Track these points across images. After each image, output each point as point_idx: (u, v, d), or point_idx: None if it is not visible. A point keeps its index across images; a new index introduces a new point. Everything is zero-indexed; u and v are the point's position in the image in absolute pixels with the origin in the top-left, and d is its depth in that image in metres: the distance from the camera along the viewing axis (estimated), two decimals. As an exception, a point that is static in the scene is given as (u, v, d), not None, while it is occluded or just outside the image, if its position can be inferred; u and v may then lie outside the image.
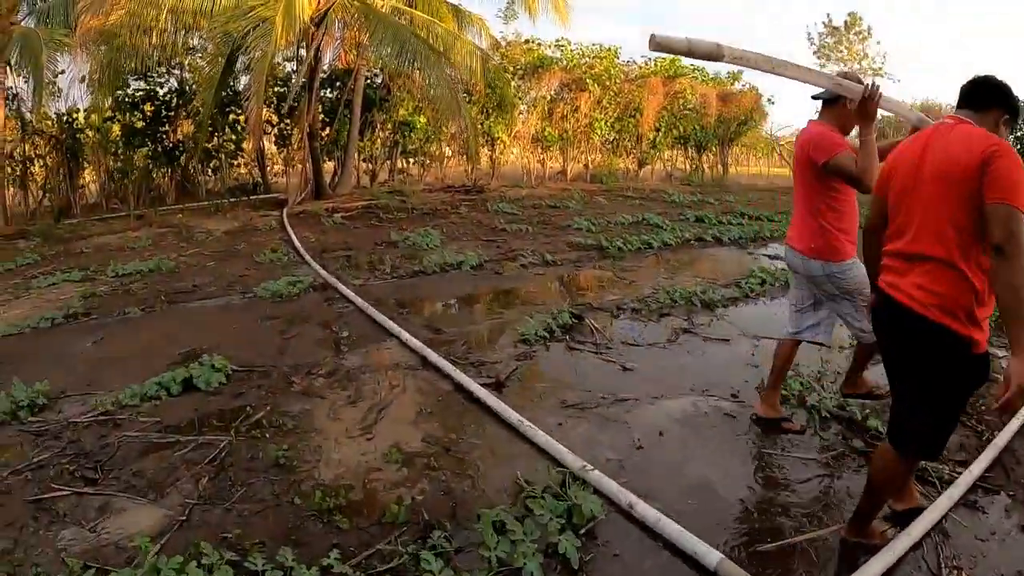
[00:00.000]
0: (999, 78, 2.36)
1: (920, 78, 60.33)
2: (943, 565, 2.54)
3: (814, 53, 30.32)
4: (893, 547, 2.53)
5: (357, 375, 4.15)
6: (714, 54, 2.45)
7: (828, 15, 31.47)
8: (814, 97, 3.10)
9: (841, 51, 29.40)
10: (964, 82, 2.37)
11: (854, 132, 3.17)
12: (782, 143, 25.60)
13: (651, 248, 8.90)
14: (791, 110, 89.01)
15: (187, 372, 3.90)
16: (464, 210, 11.39)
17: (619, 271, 7.44)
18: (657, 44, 2.33)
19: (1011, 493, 3.15)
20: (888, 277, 2.44)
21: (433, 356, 4.31)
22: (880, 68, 28.88)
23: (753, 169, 26.91)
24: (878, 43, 29.28)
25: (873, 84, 2.73)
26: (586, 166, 17.50)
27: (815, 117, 3.26)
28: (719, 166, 21.70)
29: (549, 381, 4.12)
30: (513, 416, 3.39)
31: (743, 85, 20.49)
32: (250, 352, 4.51)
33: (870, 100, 2.69)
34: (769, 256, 9.15)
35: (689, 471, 3.11)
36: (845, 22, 29.46)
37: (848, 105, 2.90)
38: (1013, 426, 3.69)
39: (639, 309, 5.77)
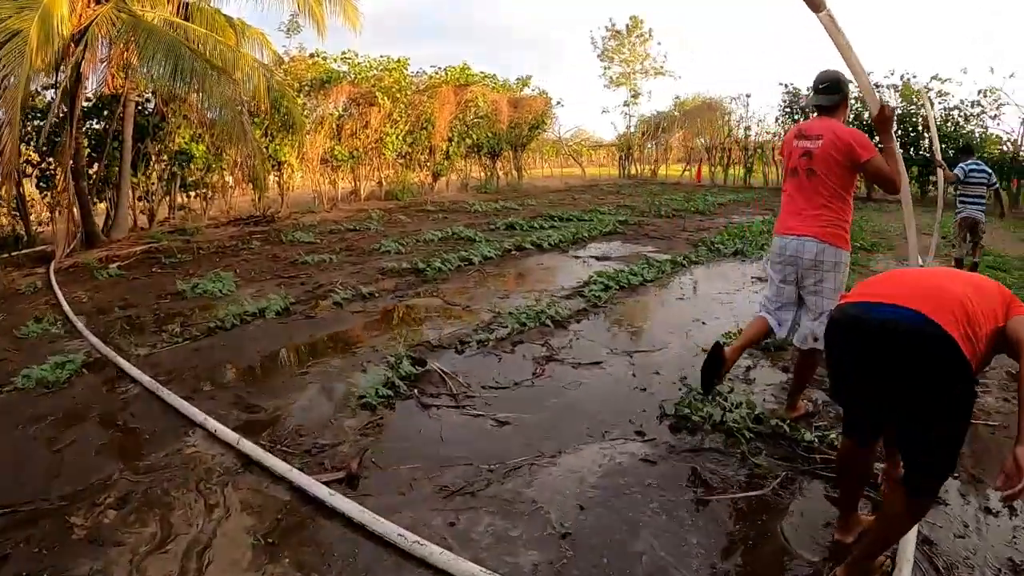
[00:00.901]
0: None
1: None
2: (947, 578, 2.34)
3: (598, 56, 32.46)
4: (902, 578, 2.28)
5: (160, 497, 2.95)
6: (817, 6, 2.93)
7: (611, 19, 34.06)
8: (817, 105, 3.50)
9: (624, 52, 31.80)
10: None
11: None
12: (571, 144, 27.05)
13: (472, 264, 8.38)
14: (577, 112, 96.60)
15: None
16: (257, 244, 10.02)
17: (447, 296, 6.78)
18: None
19: (955, 475, 3.10)
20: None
21: (256, 451, 3.24)
22: (662, 67, 31.77)
23: (545, 171, 28.05)
24: (659, 44, 32.22)
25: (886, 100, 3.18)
26: (379, 183, 16.85)
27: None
28: (513, 171, 22.17)
29: (414, 458, 3.28)
30: (390, 529, 2.50)
31: (533, 90, 21.20)
32: (9, 480, 3.12)
33: (886, 108, 3.22)
34: (596, 258, 9.12)
35: (639, 550, 2.50)
36: (627, 26, 31.98)
37: (845, 107, 3.56)
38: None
39: (486, 340, 5.13)
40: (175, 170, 12.38)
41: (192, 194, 13.23)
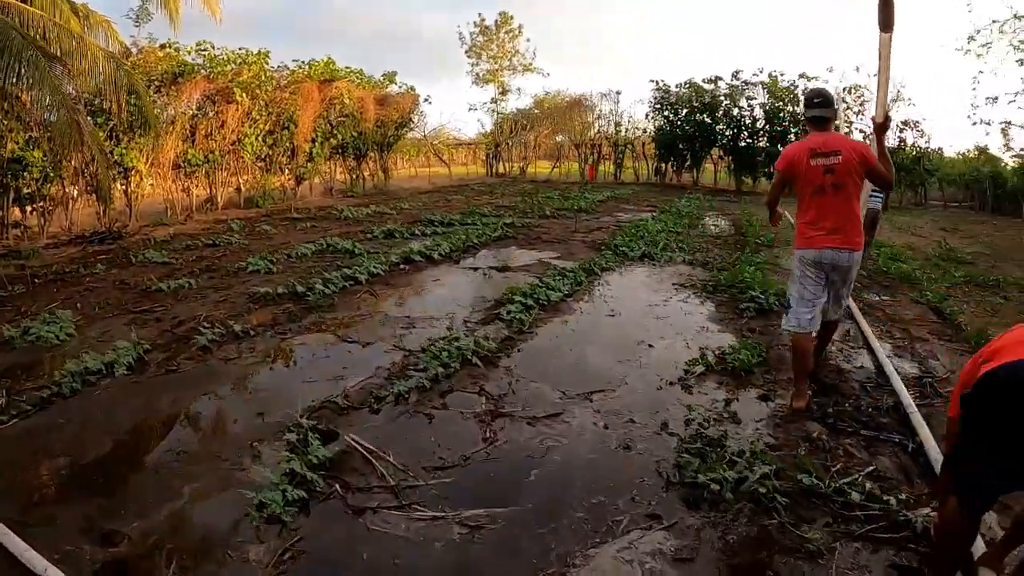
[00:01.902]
0: None
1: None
2: None
3: (466, 52, 31.54)
4: None
5: None
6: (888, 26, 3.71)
7: (480, 15, 32.97)
8: (818, 117, 3.86)
9: (492, 49, 31.04)
10: None
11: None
12: (436, 142, 26.06)
13: (358, 283, 7.23)
14: (445, 110, 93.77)
15: None
16: (102, 268, 8.14)
17: (338, 328, 5.65)
18: None
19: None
20: None
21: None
22: (531, 64, 31.33)
23: (410, 172, 26.88)
24: (527, 40, 31.62)
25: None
26: (238, 189, 15.02)
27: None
28: (380, 173, 20.88)
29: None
30: None
31: (400, 87, 20.00)
32: None
33: (888, 116, 3.93)
34: (497, 269, 8.29)
35: None
36: (496, 22, 31.22)
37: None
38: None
39: (406, 393, 4.09)
40: (8, 181, 10.14)
41: (29, 208, 10.91)
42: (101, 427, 3.75)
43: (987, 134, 30.19)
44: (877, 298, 7.01)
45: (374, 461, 3.24)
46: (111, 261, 8.73)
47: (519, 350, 5.05)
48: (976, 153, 20.03)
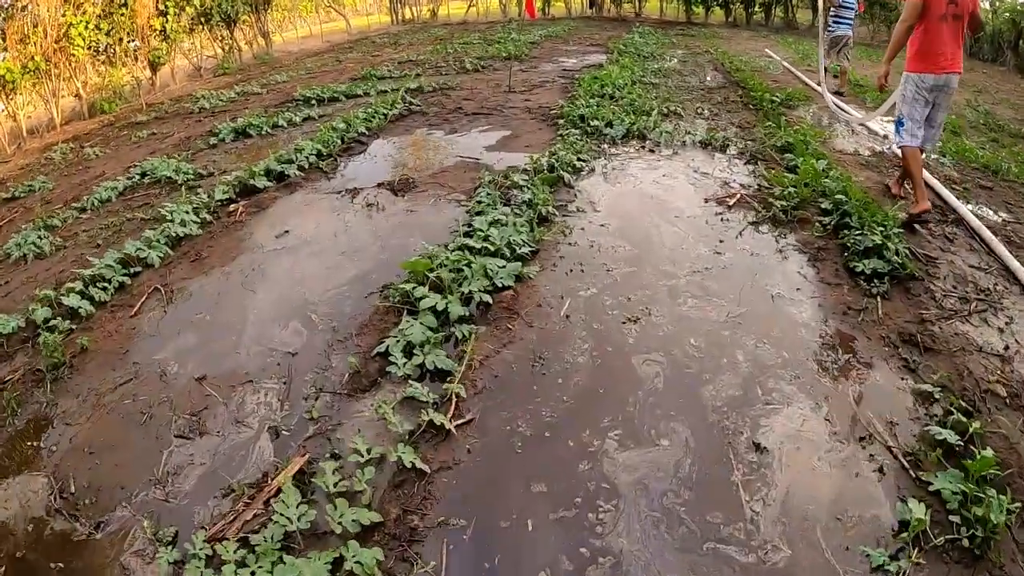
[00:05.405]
0: None
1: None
2: None
3: None
4: None
5: None
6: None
7: None
8: None
9: None
10: None
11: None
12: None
13: (149, 266, 3.95)
14: None
15: None
16: None
17: (61, 459, 2.46)
18: None
19: None
20: None
21: None
22: None
23: (303, 32, 21.64)
24: None
25: None
26: (78, 96, 10.71)
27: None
28: (259, 39, 16.11)
29: None
30: None
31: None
32: None
33: None
34: (394, 190, 4.92)
35: None
36: None
37: None
38: None
39: None
40: None
41: None
42: None
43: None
44: (996, 216, 4.07)
45: None
46: None
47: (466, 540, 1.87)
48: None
